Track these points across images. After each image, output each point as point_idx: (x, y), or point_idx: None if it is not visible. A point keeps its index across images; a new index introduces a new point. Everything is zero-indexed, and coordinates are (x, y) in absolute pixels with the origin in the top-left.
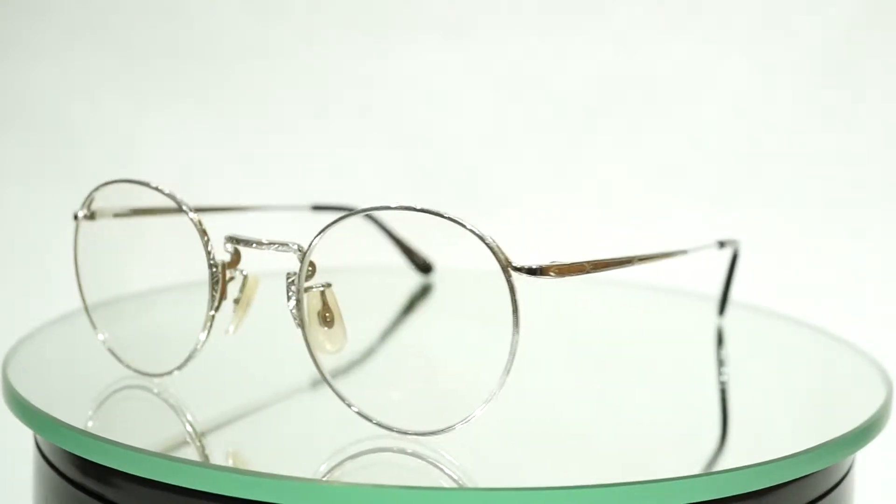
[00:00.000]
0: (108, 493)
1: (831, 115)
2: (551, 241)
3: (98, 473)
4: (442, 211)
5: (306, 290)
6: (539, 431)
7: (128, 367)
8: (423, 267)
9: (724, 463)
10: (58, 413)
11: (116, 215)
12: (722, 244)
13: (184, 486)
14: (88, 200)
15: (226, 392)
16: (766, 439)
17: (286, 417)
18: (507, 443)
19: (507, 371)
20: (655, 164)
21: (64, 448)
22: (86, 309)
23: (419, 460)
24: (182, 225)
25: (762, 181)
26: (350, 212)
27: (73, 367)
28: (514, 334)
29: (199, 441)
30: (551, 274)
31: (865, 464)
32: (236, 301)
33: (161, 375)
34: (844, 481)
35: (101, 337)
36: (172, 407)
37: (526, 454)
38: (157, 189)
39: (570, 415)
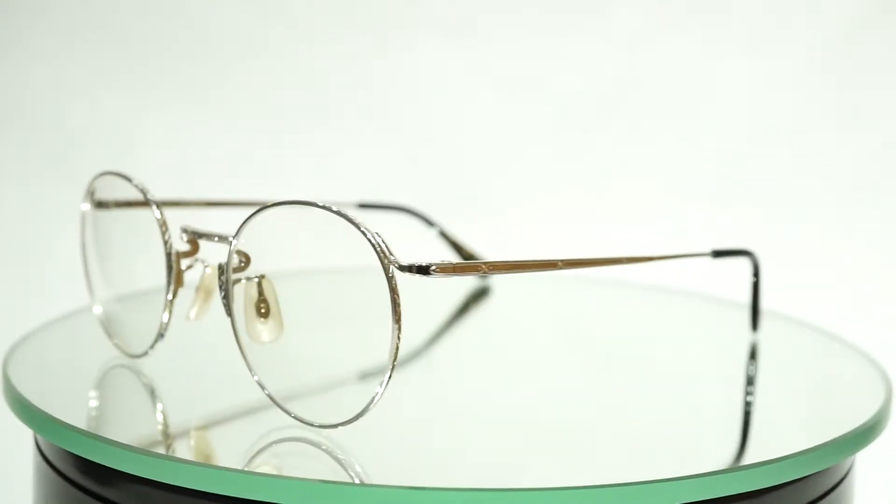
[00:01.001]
0: (108, 493)
1: (831, 115)
2: (550, 241)
3: (98, 473)
4: (332, 206)
5: (236, 281)
6: (539, 431)
7: (115, 345)
8: None
9: (725, 463)
10: (58, 413)
11: (117, 205)
12: (718, 253)
13: (184, 486)
14: (91, 191)
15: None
16: (766, 439)
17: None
18: (507, 443)
19: (391, 369)
20: (655, 164)
21: (64, 448)
22: (90, 289)
23: (317, 449)
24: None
25: (762, 181)
26: (264, 205)
27: (73, 367)
28: (394, 332)
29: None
30: (433, 272)
31: (865, 464)
32: (197, 289)
33: (137, 357)
34: (844, 482)
35: (96, 310)
36: (173, 407)
37: (526, 454)
38: (129, 181)
39: (569, 415)
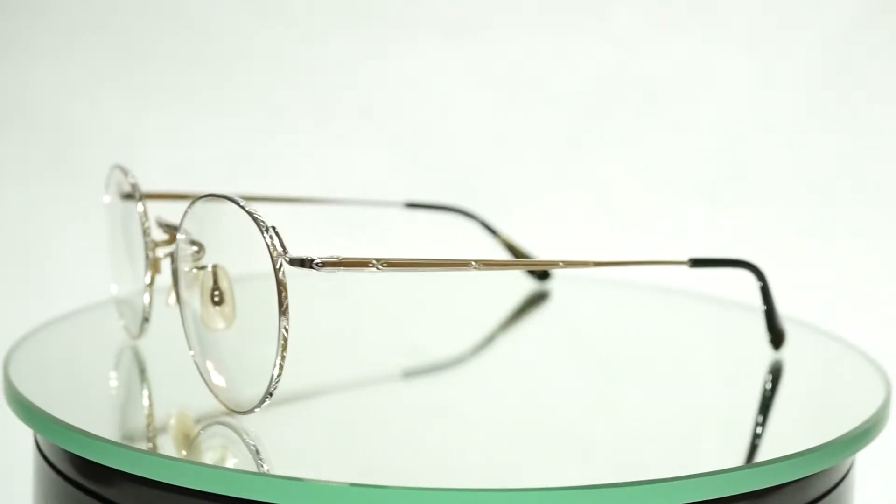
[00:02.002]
0: (108, 492)
1: (831, 115)
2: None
3: (98, 473)
4: (239, 199)
5: (182, 269)
6: (538, 431)
7: (124, 327)
8: (542, 274)
9: (724, 463)
10: (58, 412)
11: (122, 197)
12: (695, 262)
13: (184, 486)
14: (110, 182)
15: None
16: (766, 439)
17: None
18: (507, 443)
19: (279, 363)
20: (655, 164)
21: (64, 448)
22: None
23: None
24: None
25: (762, 181)
26: (195, 199)
27: (74, 367)
28: (280, 324)
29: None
30: (316, 266)
31: (865, 464)
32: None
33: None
34: (844, 482)
35: (113, 289)
36: (173, 407)
37: (526, 454)
38: (125, 175)
39: (569, 415)
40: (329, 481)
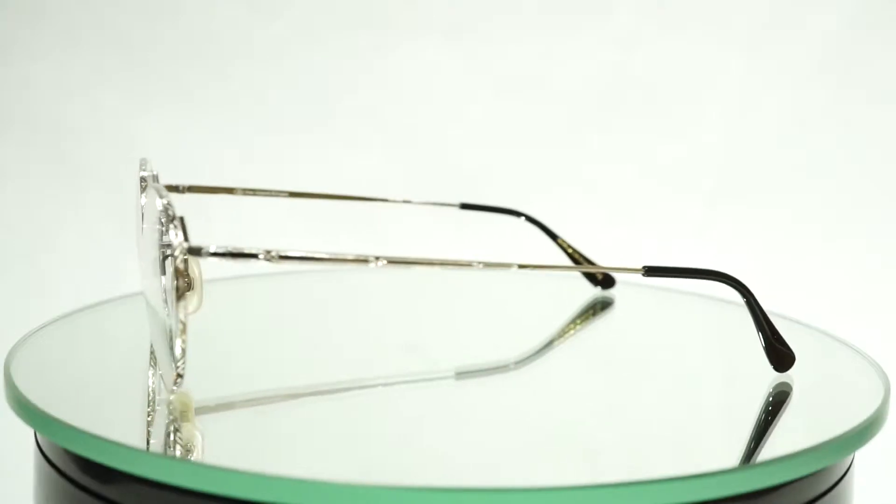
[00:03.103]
0: (108, 492)
1: (831, 115)
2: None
3: (98, 472)
4: (162, 190)
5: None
6: (539, 431)
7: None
8: (604, 281)
9: (725, 463)
10: (58, 412)
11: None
12: (649, 270)
13: (184, 486)
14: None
15: (225, 391)
16: (766, 439)
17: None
18: (507, 443)
19: (181, 346)
20: (655, 164)
21: (64, 447)
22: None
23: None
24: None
25: (761, 181)
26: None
27: (74, 367)
28: (173, 309)
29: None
30: (204, 255)
31: (865, 462)
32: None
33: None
34: (844, 480)
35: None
36: (173, 406)
37: (525, 454)
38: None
39: (569, 415)
40: (329, 481)
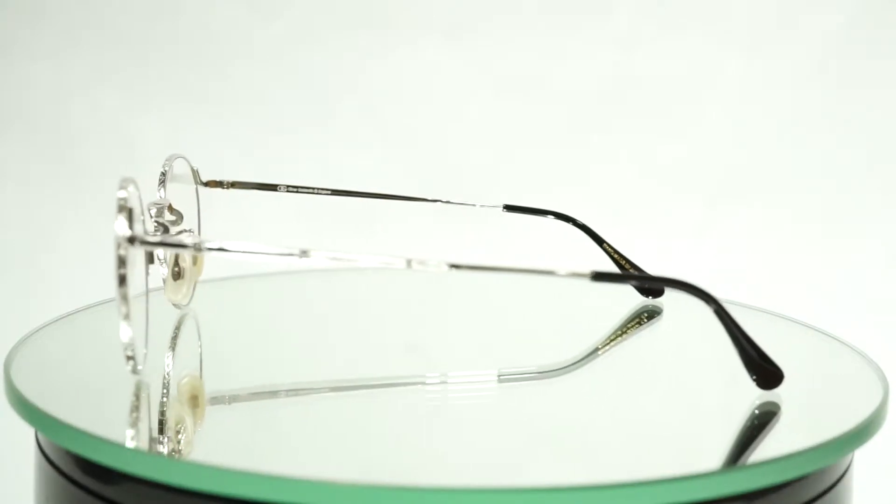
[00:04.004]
0: (109, 491)
1: (831, 115)
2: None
3: (98, 472)
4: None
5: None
6: (539, 431)
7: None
8: (649, 289)
9: (725, 463)
10: (59, 412)
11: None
12: (597, 276)
13: (184, 486)
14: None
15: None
16: (766, 439)
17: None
18: (507, 443)
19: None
20: (654, 164)
21: (65, 447)
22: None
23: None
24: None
25: (761, 181)
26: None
27: (74, 367)
28: (119, 297)
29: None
30: (138, 243)
31: (864, 462)
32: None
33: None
34: (843, 480)
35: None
36: (173, 406)
37: (526, 454)
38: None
39: (569, 415)
40: (329, 481)
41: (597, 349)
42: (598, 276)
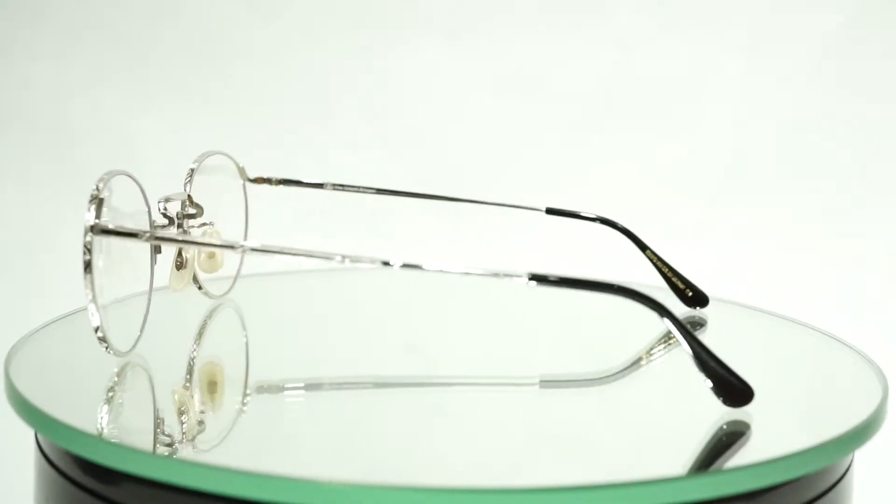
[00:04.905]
0: (109, 492)
1: (831, 116)
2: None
3: (98, 473)
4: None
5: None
6: (539, 431)
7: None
8: (694, 299)
9: (724, 463)
10: (58, 412)
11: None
12: (534, 277)
13: (184, 486)
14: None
15: (226, 390)
16: (766, 439)
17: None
18: (507, 443)
19: (94, 311)
20: (654, 164)
21: (64, 447)
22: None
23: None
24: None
25: (761, 181)
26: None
27: (74, 367)
28: (86, 280)
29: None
30: (94, 232)
31: (864, 462)
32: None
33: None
34: (843, 480)
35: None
36: (173, 406)
37: (525, 454)
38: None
39: (568, 414)
40: (329, 481)
41: (640, 359)
42: (535, 278)
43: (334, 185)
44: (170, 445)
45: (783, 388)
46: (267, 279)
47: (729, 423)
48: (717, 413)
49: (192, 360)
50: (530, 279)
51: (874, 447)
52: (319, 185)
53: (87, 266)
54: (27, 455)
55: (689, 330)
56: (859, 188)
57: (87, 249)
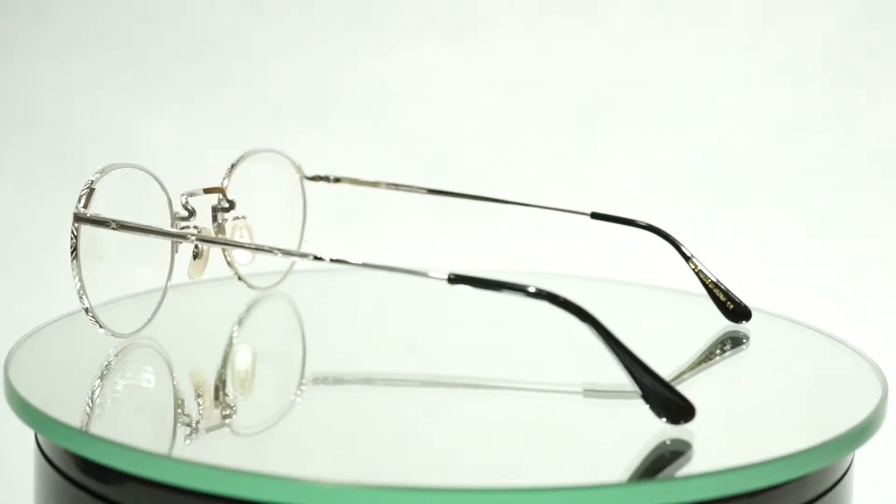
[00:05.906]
0: (108, 492)
1: (831, 115)
2: (546, 239)
3: (98, 473)
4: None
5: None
6: (539, 431)
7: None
8: (736, 313)
9: (724, 463)
10: (58, 412)
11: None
12: (454, 278)
13: (184, 486)
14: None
15: (225, 391)
16: (766, 439)
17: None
18: (507, 443)
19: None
20: (654, 164)
21: (64, 447)
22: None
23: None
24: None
25: (761, 181)
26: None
27: (74, 367)
28: (73, 269)
29: (199, 441)
30: (75, 223)
31: (864, 462)
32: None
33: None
34: (843, 480)
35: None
36: (172, 406)
37: (525, 454)
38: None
39: (569, 415)
40: (330, 481)
41: (683, 373)
42: (456, 280)
43: (388, 183)
44: (170, 445)
45: (783, 388)
46: (274, 278)
47: (728, 423)
48: (717, 413)
49: (192, 360)
50: (450, 279)
51: (874, 447)
52: (375, 184)
53: (75, 250)
54: (27, 455)
55: (615, 337)
56: (859, 188)
57: (74, 234)
